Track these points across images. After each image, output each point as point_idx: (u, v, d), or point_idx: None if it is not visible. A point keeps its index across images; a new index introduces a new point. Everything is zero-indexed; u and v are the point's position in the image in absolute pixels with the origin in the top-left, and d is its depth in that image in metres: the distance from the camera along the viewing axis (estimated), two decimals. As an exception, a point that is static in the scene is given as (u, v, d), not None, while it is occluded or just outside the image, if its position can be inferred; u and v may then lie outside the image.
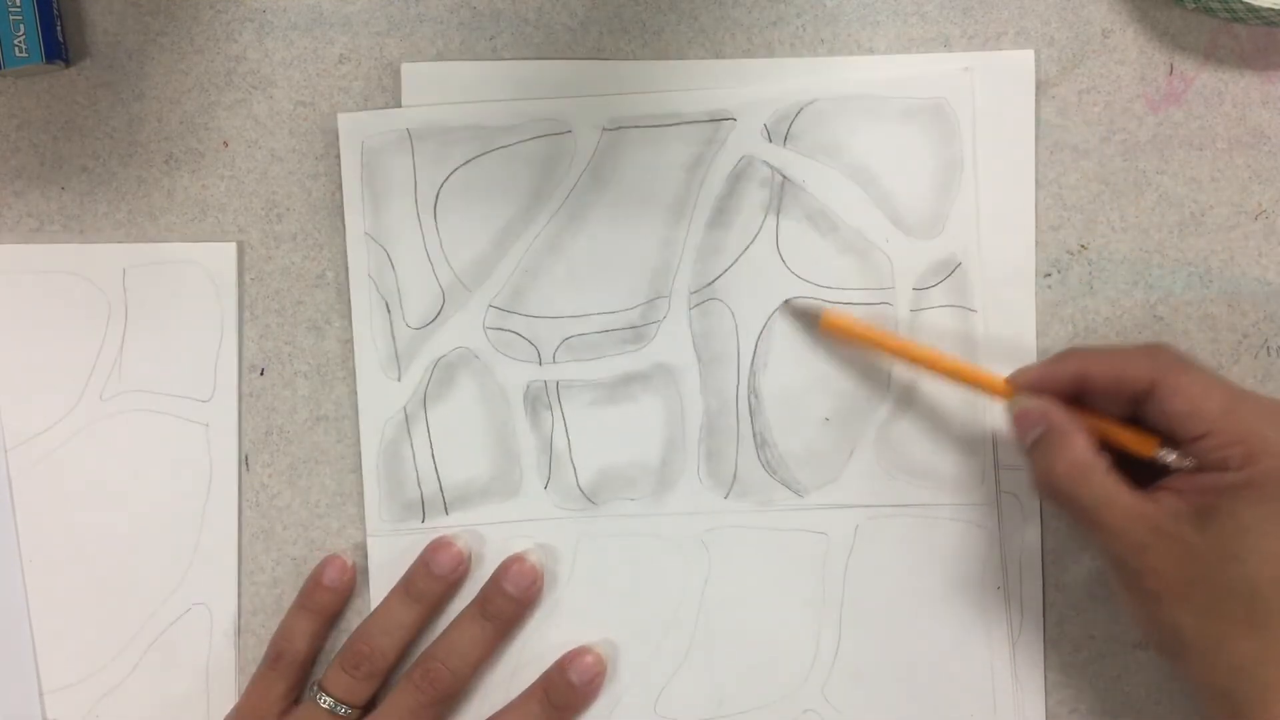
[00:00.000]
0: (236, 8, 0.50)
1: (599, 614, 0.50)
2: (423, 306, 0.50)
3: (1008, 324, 0.49)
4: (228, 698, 0.50)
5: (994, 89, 0.49)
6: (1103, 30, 0.49)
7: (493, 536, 0.50)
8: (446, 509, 0.50)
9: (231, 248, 0.50)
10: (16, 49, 0.48)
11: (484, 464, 0.50)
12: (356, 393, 0.50)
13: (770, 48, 0.50)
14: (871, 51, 0.50)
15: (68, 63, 0.50)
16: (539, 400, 0.50)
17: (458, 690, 0.48)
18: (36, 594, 0.50)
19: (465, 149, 0.49)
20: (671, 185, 0.49)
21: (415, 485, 0.50)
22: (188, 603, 0.50)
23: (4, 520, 0.50)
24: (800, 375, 0.49)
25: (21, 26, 0.48)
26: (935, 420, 0.49)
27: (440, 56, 0.50)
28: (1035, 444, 0.43)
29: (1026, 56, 0.49)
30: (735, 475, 0.50)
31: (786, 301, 0.49)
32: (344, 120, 0.50)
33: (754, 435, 0.50)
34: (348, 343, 0.50)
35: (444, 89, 0.50)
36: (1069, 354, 0.45)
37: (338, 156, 0.50)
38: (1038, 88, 0.49)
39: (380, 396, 0.50)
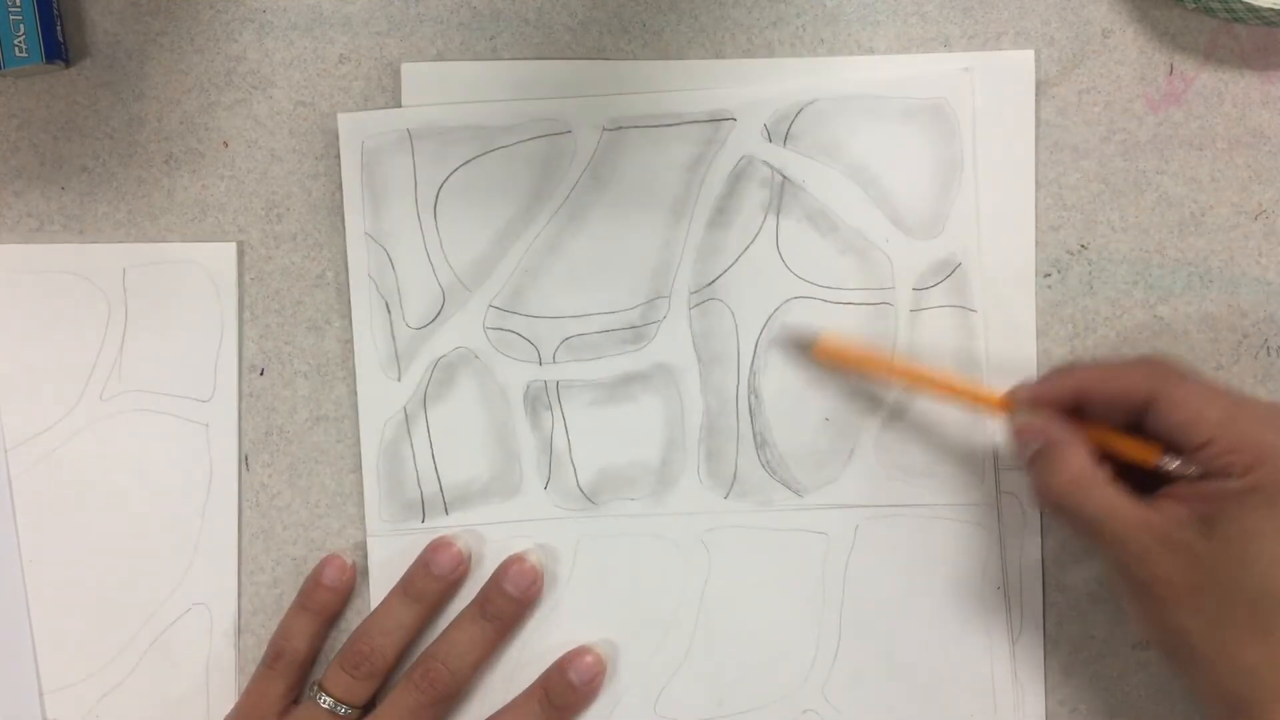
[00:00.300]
0: (236, 8, 0.50)
1: (599, 614, 0.50)
2: (423, 306, 0.50)
3: (1008, 324, 0.49)
4: (228, 698, 0.50)
5: (994, 89, 0.49)
6: (1103, 30, 0.49)
7: (493, 536, 0.50)
8: (446, 509, 0.50)
9: (231, 248, 0.50)
10: (16, 49, 0.48)
11: (484, 464, 0.50)
12: (356, 393, 0.50)
13: (770, 48, 0.50)
14: (871, 51, 0.50)
15: (68, 63, 0.50)
16: (539, 400, 0.50)
17: (457, 690, 0.48)
18: (37, 594, 0.50)
19: (465, 149, 0.49)
20: (671, 185, 0.49)
21: (415, 485, 0.50)
22: (188, 603, 0.50)
23: (4, 520, 0.50)
24: (800, 375, 0.49)
25: (21, 26, 0.48)
26: (935, 420, 0.49)
27: (440, 56, 0.50)
28: (1035, 458, 0.43)
29: (1026, 57, 0.49)
30: (735, 475, 0.50)
31: (783, 325, 0.49)
32: (344, 120, 0.50)
33: (754, 435, 0.50)
34: (348, 343, 0.50)
35: (444, 89, 0.50)
36: (1067, 369, 0.45)
37: (338, 156, 0.50)
38: (1038, 88, 0.49)
39: (380, 396, 0.50)
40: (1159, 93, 0.50)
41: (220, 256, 0.50)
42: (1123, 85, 0.49)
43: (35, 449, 0.50)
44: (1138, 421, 0.43)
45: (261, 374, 0.50)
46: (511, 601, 0.48)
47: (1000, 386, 0.48)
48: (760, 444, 0.50)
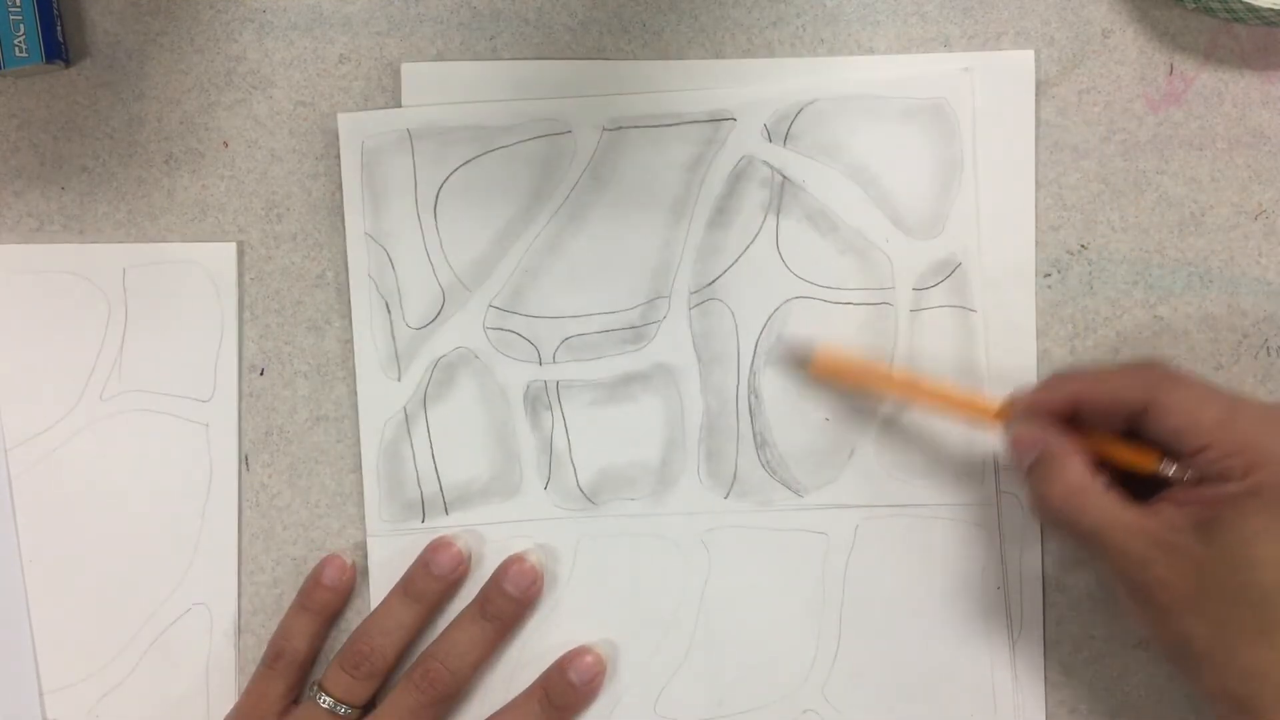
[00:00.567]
0: (236, 8, 0.50)
1: (599, 614, 0.50)
2: (423, 306, 0.50)
3: (1008, 324, 0.49)
4: (228, 698, 0.50)
5: (994, 89, 0.49)
6: (1103, 30, 0.49)
7: (493, 536, 0.50)
8: (446, 509, 0.50)
9: (231, 248, 0.50)
10: (16, 49, 0.48)
11: (484, 464, 0.50)
12: (356, 393, 0.50)
13: (770, 48, 0.50)
14: (871, 51, 0.50)
15: (68, 63, 0.50)
16: (539, 400, 0.50)
17: (457, 690, 0.48)
18: (37, 594, 0.50)
19: (465, 149, 0.49)
20: (671, 185, 0.49)
21: (415, 485, 0.50)
22: (188, 603, 0.50)
23: (4, 520, 0.50)
24: (798, 375, 0.49)
25: (21, 26, 0.48)
26: (935, 421, 0.49)
27: (440, 56, 0.50)
28: (1032, 468, 0.43)
29: (1026, 57, 0.49)
30: (735, 475, 0.50)
31: (779, 338, 0.49)
32: (344, 120, 0.50)
33: (754, 435, 0.50)
34: (348, 343, 0.50)
35: (444, 89, 0.50)
36: (1061, 377, 0.45)
37: (338, 156, 0.50)
38: (1038, 88, 0.49)
39: (380, 396, 0.50)
40: (1159, 93, 0.50)
41: (220, 256, 0.50)
42: (1123, 85, 0.49)
43: (35, 449, 0.50)
44: (1135, 427, 0.43)
45: (261, 374, 0.50)
46: (511, 601, 0.48)
47: (1000, 388, 0.48)
48: (760, 444, 0.50)
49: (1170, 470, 0.42)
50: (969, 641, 0.49)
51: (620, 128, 0.49)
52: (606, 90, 0.50)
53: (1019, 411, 0.45)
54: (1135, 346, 0.49)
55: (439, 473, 0.50)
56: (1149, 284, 0.50)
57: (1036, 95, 0.49)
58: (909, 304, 0.49)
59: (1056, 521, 0.43)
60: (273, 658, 0.49)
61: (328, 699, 0.47)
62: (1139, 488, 0.42)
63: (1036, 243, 0.49)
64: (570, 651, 0.49)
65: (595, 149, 0.49)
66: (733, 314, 0.50)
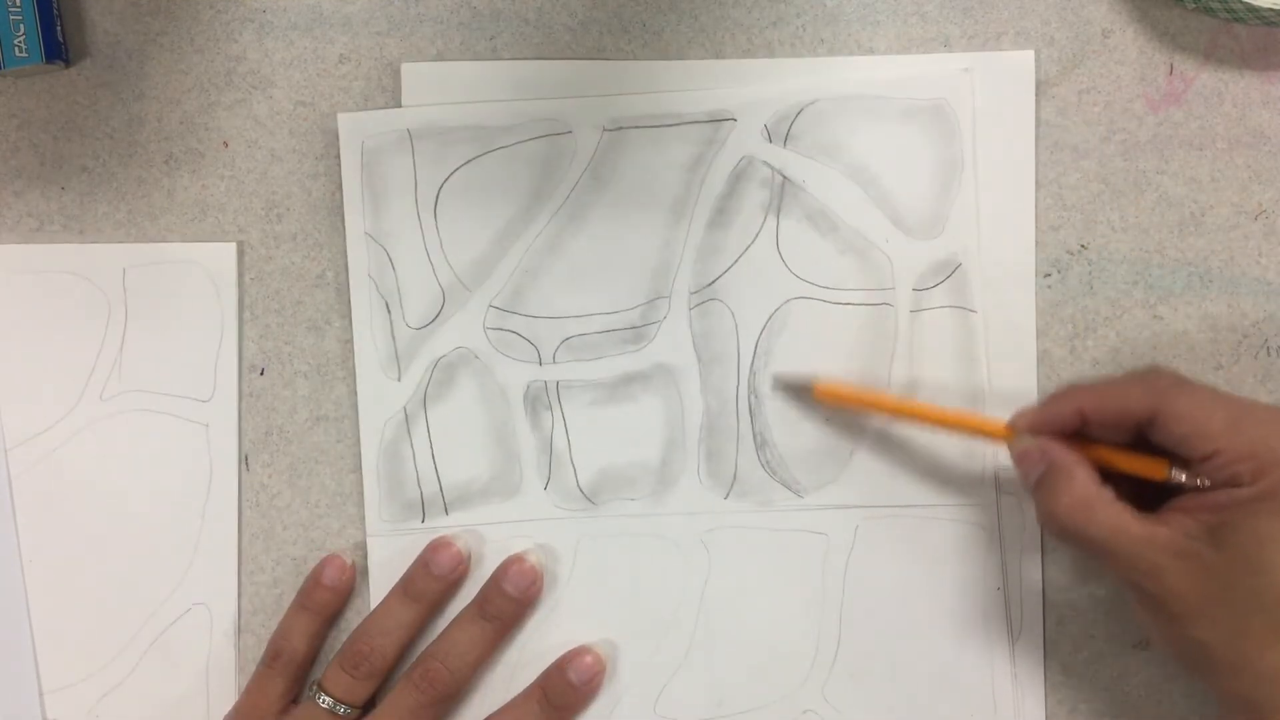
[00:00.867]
0: (236, 8, 0.50)
1: (599, 614, 0.50)
2: (423, 306, 0.50)
3: (1008, 324, 0.49)
4: (228, 698, 0.50)
5: (994, 89, 0.49)
6: (1103, 30, 0.49)
7: (493, 536, 0.50)
8: (446, 509, 0.50)
9: (231, 248, 0.50)
10: (16, 49, 0.48)
11: (484, 464, 0.50)
12: (356, 393, 0.50)
13: (770, 48, 0.50)
14: (872, 51, 0.50)
15: (68, 63, 0.50)
16: (539, 400, 0.50)
17: (457, 690, 0.48)
18: (37, 594, 0.50)
19: (465, 149, 0.49)
20: (672, 185, 0.49)
21: (415, 485, 0.50)
22: (188, 603, 0.50)
23: (4, 520, 0.50)
24: (800, 376, 0.49)
25: (21, 26, 0.48)
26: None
27: (440, 56, 0.50)
28: (1039, 483, 0.43)
29: (1026, 57, 0.49)
30: (735, 475, 0.50)
31: (775, 376, 0.49)
32: (344, 120, 0.50)
33: (754, 435, 0.50)
34: (348, 343, 0.50)
35: (444, 89, 0.50)
36: (1066, 391, 0.45)
37: (338, 156, 0.50)
38: (1038, 88, 0.49)
39: (380, 396, 0.50)
40: (1159, 93, 0.50)
41: (220, 256, 0.50)
42: (1123, 85, 0.49)
43: (35, 449, 0.50)
44: (1142, 437, 0.43)
45: (261, 374, 0.50)
46: (511, 601, 0.48)
47: (1001, 389, 0.48)
48: (760, 444, 0.50)
49: (1180, 477, 0.42)
50: (969, 642, 0.49)
51: (620, 128, 0.49)
52: (607, 90, 0.50)
53: (1023, 427, 0.45)
54: (1135, 346, 0.49)
55: (439, 473, 0.50)
56: (1149, 284, 0.50)
57: (1037, 95, 0.49)
58: (909, 304, 0.49)
59: (1066, 534, 0.42)
60: (271, 657, 0.49)
61: (327, 699, 0.47)
62: (1147, 498, 0.42)
63: (1036, 243, 0.49)
64: (569, 651, 0.49)
65: (595, 149, 0.49)
66: (733, 314, 0.50)
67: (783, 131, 0.49)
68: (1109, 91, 0.49)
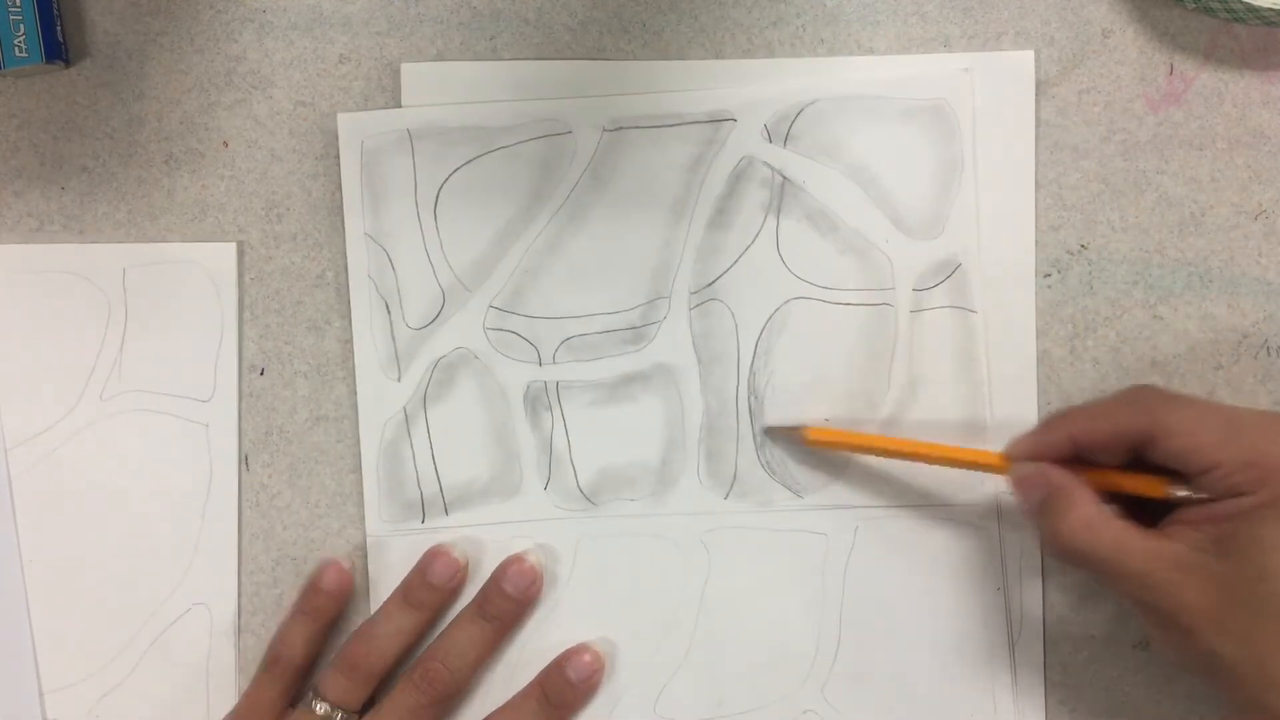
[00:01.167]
0: (236, 8, 0.50)
1: (599, 614, 0.50)
2: (423, 307, 0.50)
3: (1008, 324, 0.49)
4: (227, 698, 0.50)
5: (994, 89, 0.49)
6: (1103, 30, 0.49)
7: (493, 537, 0.50)
8: (446, 509, 0.50)
9: (231, 248, 0.50)
10: (16, 49, 0.48)
11: (484, 464, 0.50)
12: (356, 393, 0.50)
13: (770, 48, 0.50)
14: (872, 52, 0.50)
15: (68, 63, 0.50)
16: (539, 401, 0.50)
17: (457, 690, 0.48)
18: (37, 594, 0.50)
19: (465, 149, 0.49)
20: (672, 185, 0.49)
21: (415, 486, 0.50)
22: (188, 602, 0.50)
23: (4, 520, 0.50)
24: (799, 375, 0.50)
25: (21, 26, 0.48)
26: (934, 420, 0.49)
27: (440, 56, 0.50)
28: (1040, 508, 0.43)
29: (1026, 57, 0.49)
30: (735, 475, 0.50)
31: (765, 430, 0.50)
32: (344, 120, 0.49)
33: (754, 435, 0.50)
34: (348, 343, 0.50)
35: (444, 89, 0.50)
36: (1056, 419, 0.45)
37: (337, 156, 0.50)
38: (1038, 88, 0.49)
39: (380, 397, 0.50)
40: (1159, 93, 0.50)
41: (220, 256, 0.50)
42: (1123, 85, 0.49)
43: (35, 449, 0.50)
44: (1138, 457, 0.43)
45: (261, 374, 0.50)
46: (511, 601, 0.48)
47: (1001, 389, 0.48)
48: (760, 444, 0.50)
49: (1179, 493, 0.42)
50: (969, 641, 0.49)
51: (620, 128, 0.49)
52: (607, 90, 0.50)
53: (1020, 455, 0.45)
54: (1135, 346, 0.49)
55: (439, 473, 0.50)
56: (1149, 284, 0.50)
57: (1037, 95, 0.49)
58: (909, 304, 0.49)
59: (1071, 556, 0.42)
60: (270, 662, 0.49)
61: (323, 704, 0.47)
62: (1147, 516, 0.42)
63: (1036, 243, 0.49)
64: (568, 650, 0.49)
65: (595, 149, 0.49)
66: (733, 314, 0.50)
67: (783, 131, 0.49)
68: (1109, 91, 0.49)
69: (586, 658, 0.49)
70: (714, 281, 0.50)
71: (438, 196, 0.50)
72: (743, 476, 0.50)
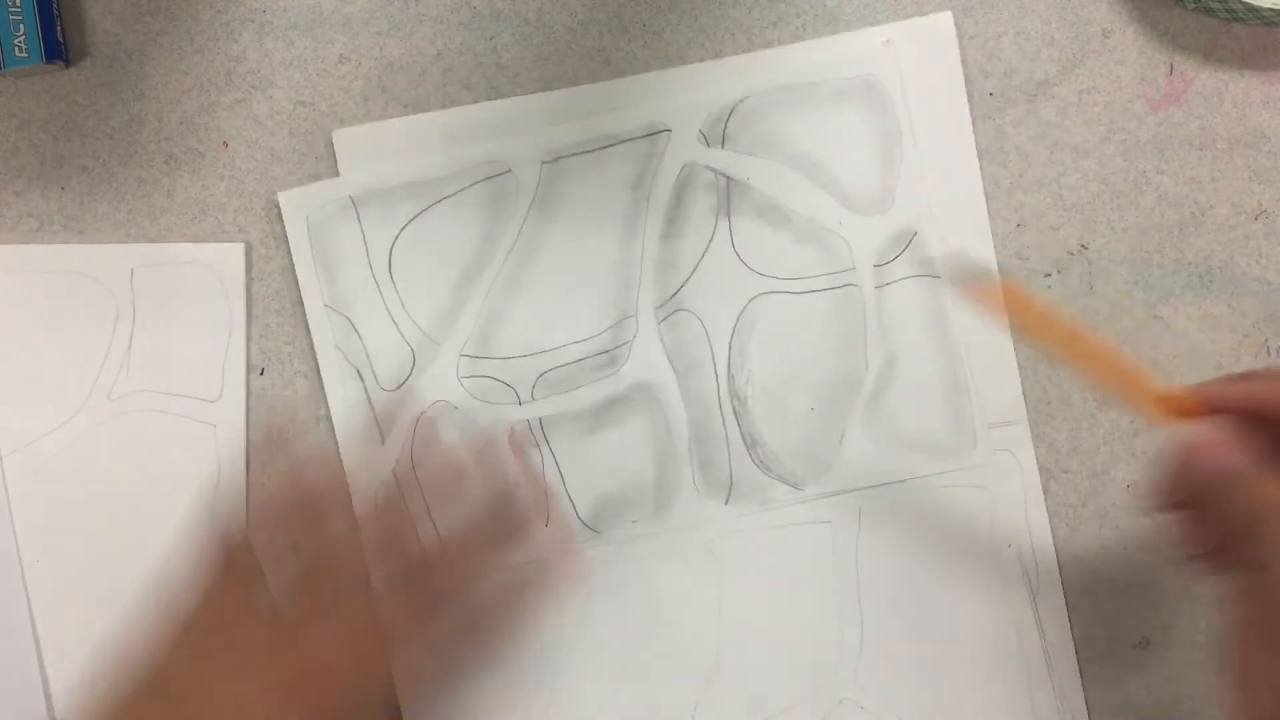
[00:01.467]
0: (236, 8, 0.50)
1: (621, 642, 0.50)
2: (394, 368, 0.50)
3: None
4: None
5: (918, 56, 0.49)
6: (1103, 30, 0.49)
7: (504, 582, 0.50)
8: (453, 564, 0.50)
9: (239, 248, 0.50)
10: (16, 49, 0.48)
11: (480, 512, 0.49)
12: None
13: (770, 47, 0.50)
14: (872, 51, 0.50)
15: (68, 63, 0.50)
16: (525, 442, 0.50)
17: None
18: (44, 593, 0.50)
19: (409, 206, 0.49)
20: (619, 205, 0.49)
21: (418, 547, 0.49)
22: (193, 602, 0.50)
23: (9, 520, 0.50)
24: (778, 370, 0.50)
25: (21, 26, 0.48)
26: (918, 389, 0.50)
27: (440, 56, 0.50)
28: (1214, 473, 0.36)
29: (945, 18, 0.49)
30: (731, 479, 0.50)
31: (954, 254, 0.49)
32: (285, 199, 0.49)
33: (743, 436, 0.50)
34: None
35: (379, 147, 0.50)
36: (1251, 375, 0.39)
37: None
38: (1037, 87, 0.49)
39: (367, 463, 0.50)
40: (1159, 93, 0.50)
41: (228, 257, 0.50)
42: (1123, 85, 0.50)
43: (44, 448, 0.50)
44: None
45: (261, 374, 0.50)
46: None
47: (972, 348, 0.49)
48: (750, 444, 0.50)
49: None
50: (990, 603, 0.50)
51: (559, 158, 0.49)
52: (540, 123, 0.49)
53: (1213, 399, 0.38)
54: (1135, 346, 0.50)
55: (439, 531, 0.49)
56: (1149, 284, 0.50)
57: (962, 53, 0.49)
58: (873, 281, 0.49)
59: (1252, 536, 0.35)
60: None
61: None
62: None
63: (1036, 243, 0.50)
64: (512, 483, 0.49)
65: (538, 183, 0.49)
66: (701, 321, 0.50)
67: (718, 134, 0.49)
68: (1109, 91, 0.50)
69: (534, 489, 0.49)
70: (677, 292, 0.50)
71: (390, 257, 0.49)
72: (739, 479, 0.50)
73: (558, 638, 0.50)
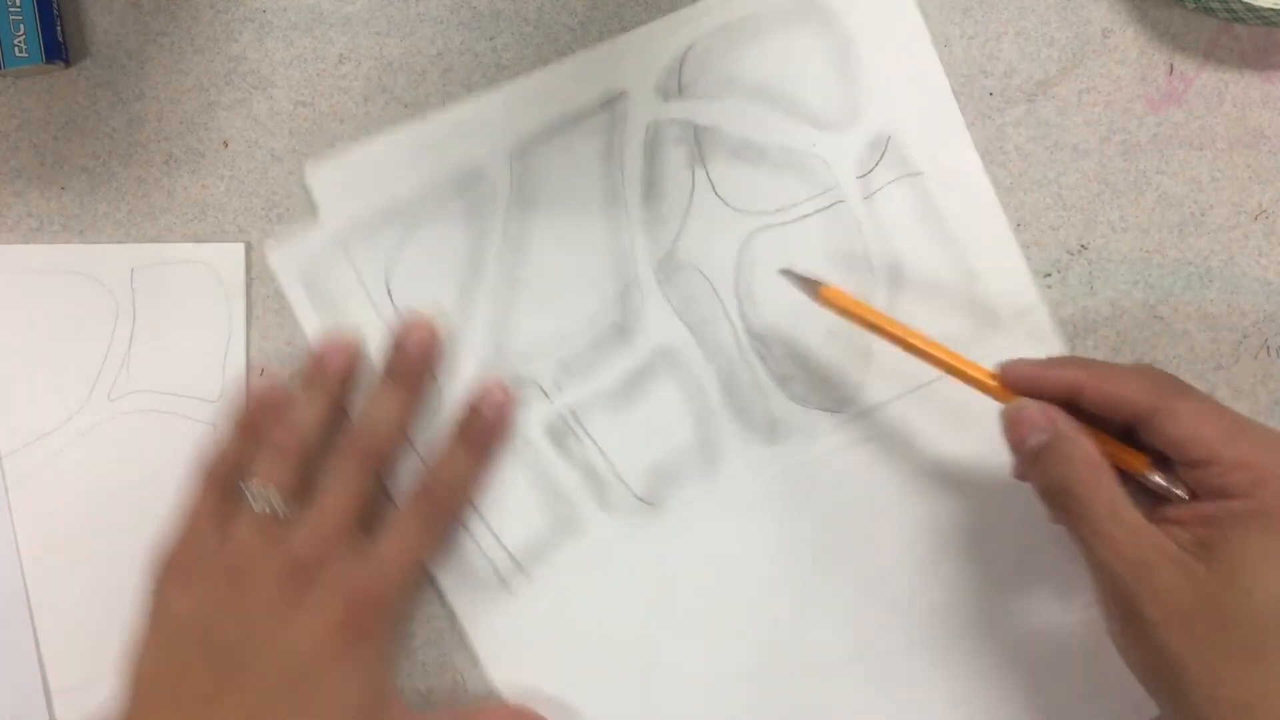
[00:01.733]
0: (236, 8, 0.50)
1: (711, 609, 0.50)
2: None
3: (957, 178, 0.49)
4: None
5: None
6: (1103, 30, 0.49)
7: (578, 579, 0.50)
8: (525, 571, 0.49)
9: (239, 248, 0.50)
10: (16, 49, 0.48)
11: (537, 515, 0.50)
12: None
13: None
14: (872, 51, 0.50)
15: (68, 63, 0.50)
16: (561, 432, 0.50)
17: (386, 452, 0.48)
18: (43, 594, 0.50)
19: (395, 232, 0.49)
20: (595, 179, 0.49)
21: (485, 562, 0.49)
22: (192, 602, 0.50)
23: (9, 520, 0.50)
24: (788, 302, 0.49)
25: (21, 26, 0.48)
26: (929, 286, 0.49)
27: (440, 56, 0.50)
28: (1042, 448, 0.42)
29: None
30: (771, 420, 0.50)
31: (781, 270, 0.49)
32: (273, 254, 0.49)
33: (773, 376, 0.50)
34: (348, 343, 0.50)
35: (352, 175, 0.49)
36: (1067, 361, 0.44)
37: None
38: (1037, 87, 0.49)
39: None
40: (1159, 93, 0.50)
41: (228, 257, 0.50)
42: (1123, 85, 0.50)
43: (43, 448, 0.50)
44: (1131, 433, 0.42)
45: (261, 374, 0.50)
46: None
47: (972, 245, 0.49)
48: (782, 381, 0.50)
49: (1155, 478, 0.41)
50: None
51: (526, 149, 0.49)
52: (500, 119, 0.49)
53: (1015, 382, 0.43)
54: (1135, 346, 0.50)
55: (501, 541, 0.49)
56: (1149, 284, 0.50)
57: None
58: (860, 193, 0.49)
59: (1067, 503, 0.41)
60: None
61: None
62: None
63: (1036, 242, 0.50)
64: (480, 390, 0.49)
65: (511, 178, 0.49)
66: (702, 272, 0.50)
67: (674, 86, 0.49)
68: (1109, 91, 0.50)
69: (498, 395, 0.49)
70: (671, 249, 0.50)
71: (388, 287, 0.49)
72: (778, 418, 0.50)
73: (642, 618, 0.50)
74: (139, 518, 0.50)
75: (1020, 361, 0.44)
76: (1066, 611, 0.49)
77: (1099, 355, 0.50)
